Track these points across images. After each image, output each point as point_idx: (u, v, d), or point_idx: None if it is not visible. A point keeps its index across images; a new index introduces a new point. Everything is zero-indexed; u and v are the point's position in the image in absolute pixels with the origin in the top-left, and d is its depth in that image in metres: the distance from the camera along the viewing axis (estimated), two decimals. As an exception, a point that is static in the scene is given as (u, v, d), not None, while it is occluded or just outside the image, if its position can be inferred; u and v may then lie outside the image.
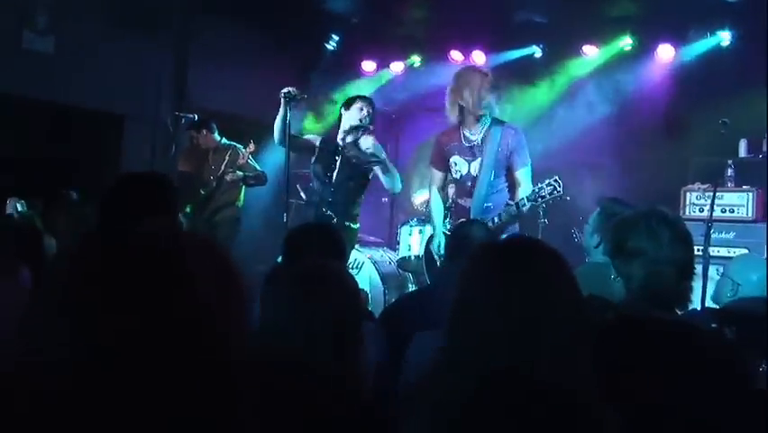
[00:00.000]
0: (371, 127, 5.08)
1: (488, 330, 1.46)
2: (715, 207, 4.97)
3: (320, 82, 8.09)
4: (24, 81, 6.26)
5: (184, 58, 7.72)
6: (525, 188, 4.68)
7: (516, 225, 4.80)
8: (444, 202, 5.20)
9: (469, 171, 4.87)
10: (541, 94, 7.63)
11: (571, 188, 4.63)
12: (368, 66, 8.63)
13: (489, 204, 4.78)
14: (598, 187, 6.06)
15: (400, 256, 6.43)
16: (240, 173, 6.78)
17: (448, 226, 5.03)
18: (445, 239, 4.81)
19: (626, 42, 7.25)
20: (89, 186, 4.69)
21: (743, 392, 2.05)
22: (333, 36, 8.25)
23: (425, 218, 6.68)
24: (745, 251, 5.50)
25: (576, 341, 1.47)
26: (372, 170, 5.11)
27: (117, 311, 0.90)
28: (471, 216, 4.71)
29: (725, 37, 6.78)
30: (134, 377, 0.89)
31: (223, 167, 6.79)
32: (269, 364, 1.63)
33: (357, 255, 6.40)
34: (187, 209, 6.70)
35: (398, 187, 5.34)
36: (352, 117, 5.12)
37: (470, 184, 4.86)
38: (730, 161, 6.07)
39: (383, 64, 8.63)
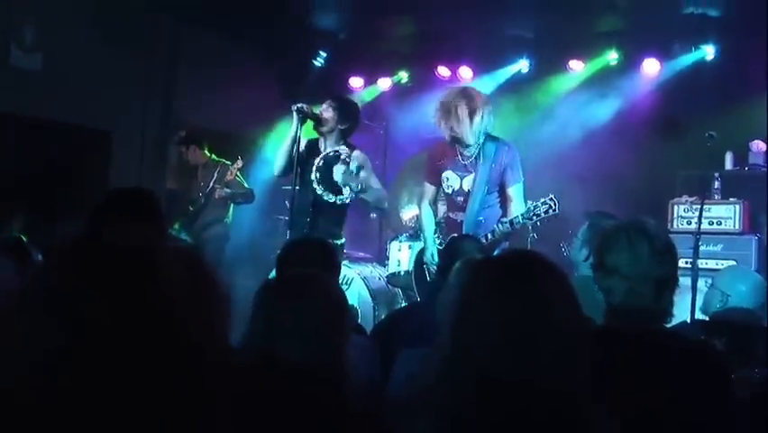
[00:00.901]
0: (343, 155, 4.90)
1: (488, 341, 1.47)
2: (702, 219, 5.00)
3: (307, 99, 8.08)
4: (12, 98, 6.24)
5: (171, 74, 7.71)
6: (517, 205, 4.69)
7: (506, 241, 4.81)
8: (435, 217, 5.20)
9: (461, 186, 4.87)
10: (528, 108, 7.67)
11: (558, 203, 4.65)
12: (355, 82, 8.66)
13: (482, 218, 4.78)
14: (585, 201, 6.08)
15: (390, 272, 6.42)
16: (229, 190, 6.77)
17: (439, 241, 5.03)
18: (438, 253, 4.81)
19: (612, 57, 7.31)
20: (77, 202, 4.66)
21: (726, 399, 2.05)
22: (321, 52, 8.26)
23: (414, 233, 6.68)
24: (733, 263, 5.53)
25: (576, 349, 1.47)
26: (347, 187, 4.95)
27: (89, 306, 0.91)
28: (464, 231, 4.71)
29: (709, 51, 6.85)
30: (102, 372, 0.89)
31: (211, 183, 6.77)
32: (255, 366, 1.65)
33: (346, 271, 6.37)
34: (176, 226, 6.67)
35: (382, 203, 5.27)
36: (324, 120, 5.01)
37: (462, 199, 4.86)
38: (717, 174, 6.12)
39: (370, 80, 8.66)
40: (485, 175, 4.76)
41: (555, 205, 4.39)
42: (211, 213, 6.81)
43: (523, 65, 7.72)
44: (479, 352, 1.46)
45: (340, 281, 5.67)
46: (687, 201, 6.05)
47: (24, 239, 3.26)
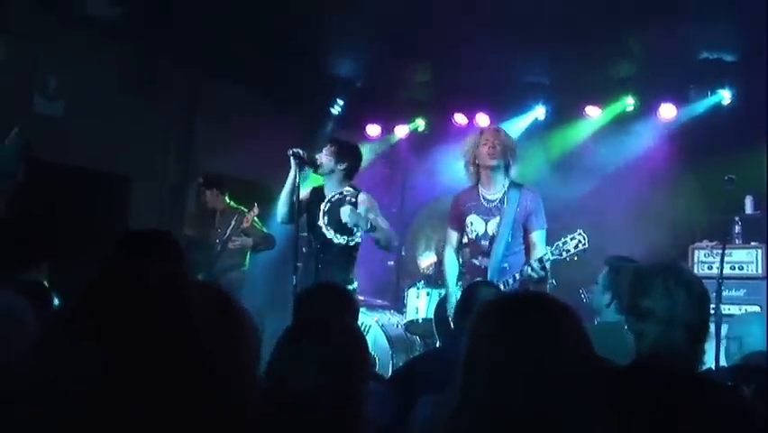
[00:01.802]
0: (348, 196, 4.84)
1: (499, 378, 1.45)
2: (724, 264, 4.94)
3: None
4: (35, 144, 6.33)
5: (190, 122, 7.81)
6: (539, 251, 4.65)
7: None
8: (458, 264, 5.14)
9: (486, 231, 4.85)
10: (545, 155, 7.67)
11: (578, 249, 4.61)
12: (372, 130, 8.71)
13: (506, 265, 4.76)
14: (605, 246, 6.03)
15: (408, 319, 6.37)
16: (248, 239, 6.77)
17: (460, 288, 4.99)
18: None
19: (628, 102, 7.33)
20: (96, 247, 4.67)
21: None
22: (338, 100, 8.33)
23: (432, 280, 6.64)
24: (757, 308, 5.44)
25: (589, 386, 1.44)
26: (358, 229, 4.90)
27: (119, 341, 0.91)
28: (488, 277, 4.67)
29: (725, 95, 6.86)
30: (133, 405, 0.89)
31: (228, 231, 6.79)
32: (276, 402, 1.66)
33: (364, 318, 6.35)
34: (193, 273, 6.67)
35: (391, 243, 5.22)
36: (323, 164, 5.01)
37: (486, 243, 4.84)
38: (737, 218, 6.06)
39: (387, 128, 8.72)
40: (510, 219, 4.75)
41: (584, 239, 4.35)
42: (228, 260, 6.82)
43: (540, 112, 7.75)
44: (490, 390, 1.45)
45: (358, 327, 5.64)
46: (708, 246, 5.98)
47: (45, 283, 3.27)
